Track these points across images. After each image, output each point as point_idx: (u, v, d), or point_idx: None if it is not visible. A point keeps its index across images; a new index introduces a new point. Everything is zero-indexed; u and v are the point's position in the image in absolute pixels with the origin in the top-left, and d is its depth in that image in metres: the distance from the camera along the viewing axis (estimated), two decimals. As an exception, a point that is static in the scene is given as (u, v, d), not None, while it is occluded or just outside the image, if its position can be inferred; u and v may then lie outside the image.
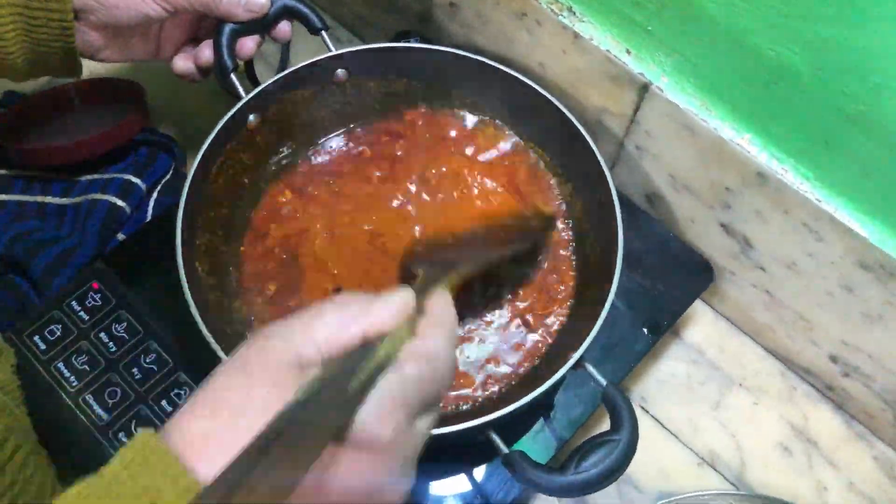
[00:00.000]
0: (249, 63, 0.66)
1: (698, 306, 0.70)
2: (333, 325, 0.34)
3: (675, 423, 0.65)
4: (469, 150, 0.65)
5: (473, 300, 0.58)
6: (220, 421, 0.31)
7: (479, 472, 0.55)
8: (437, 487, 0.54)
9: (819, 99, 0.49)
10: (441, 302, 0.38)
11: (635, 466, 0.62)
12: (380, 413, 0.32)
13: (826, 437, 0.65)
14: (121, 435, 0.54)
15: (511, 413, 0.46)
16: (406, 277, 0.56)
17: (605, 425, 0.47)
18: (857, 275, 0.55)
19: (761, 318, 0.66)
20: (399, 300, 0.36)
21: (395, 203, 0.62)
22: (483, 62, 0.61)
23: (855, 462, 0.64)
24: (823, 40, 0.46)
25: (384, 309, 0.35)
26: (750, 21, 0.49)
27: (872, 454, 0.64)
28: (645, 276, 0.63)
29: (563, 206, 0.62)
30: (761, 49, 0.49)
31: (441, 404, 0.37)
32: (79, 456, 0.54)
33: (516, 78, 0.60)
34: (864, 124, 0.48)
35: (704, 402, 0.66)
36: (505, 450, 0.47)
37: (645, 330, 0.61)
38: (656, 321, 0.61)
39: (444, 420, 0.52)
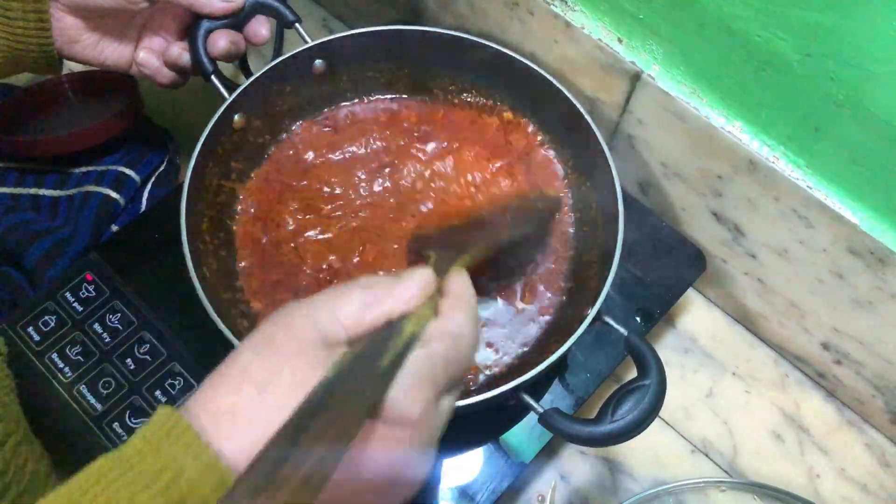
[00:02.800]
0: (242, 56, 0.66)
1: (691, 294, 0.70)
2: (358, 305, 0.34)
3: (668, 411, 0.65)
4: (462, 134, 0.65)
5: (487, 286, 0.58)
6: (246, 397, 0.31)
7: (475, 460, 0.56)
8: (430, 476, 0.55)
9: (808, 85, 0.49)
10: (460, 281, 0.39)
11: (629, 454, 0.63)
12: (410, 390, 0.32)
13: (818, 424, 0.65)
14: (115, 425, 0.54)
15: (538, 373, 0.47)
16: (414, 261, 0.56)
17: (616, 383, 0.48)
18: (847, 261, 0.55)
19: (753, 305, 0.66)
20: (421, 280, 0.36)
21: (389, 191, 0.62)
22: (460, 37, 0.61)
23: (846, 449, 0.64)
24: (811, 26, 0.46)
25: (407, 289, 0.36)
26: (737, 7, 0.49)
27: (864, 441, 0.64)
28: (637, 265, 0.63)
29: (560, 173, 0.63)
30: (749, 36, 0.50)
31: (463, 384, 0.38)
32: (73, 447, 0.54)
33: (507, 55, 0.60)
34: (853, 110, 0.48)
35: (697, 390, 0.66)
36: (540, 409, 0.47)
37: (638, 318, 0.61)
38: (649, 310, 0.61)
39: (475, 388, 0.53)
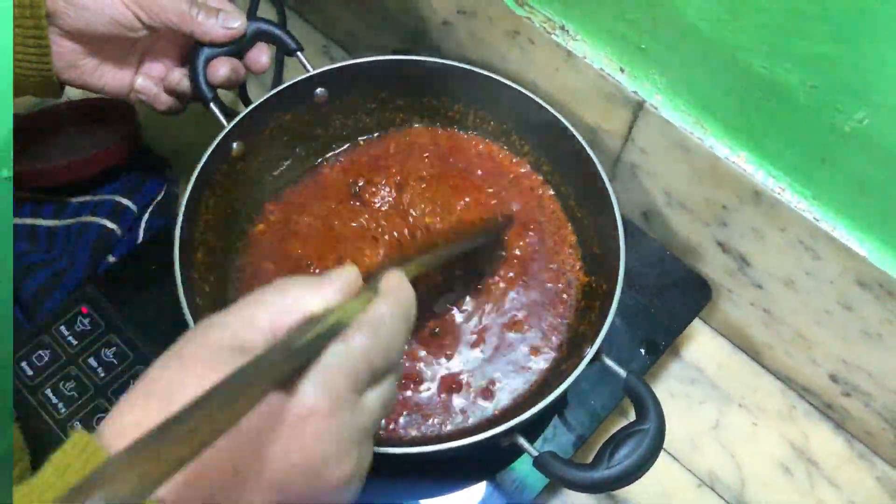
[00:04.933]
0: (241, 84, 0.66)
1: (696, 324, 0.69)
2: (275, 308, 0.33)
3: (673, 443, 0.64)
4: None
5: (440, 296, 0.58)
6: (152, 409, 0.30)
7: (474, 499, 0.54)
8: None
9: (814, 116, 0.48)
10: (394, 279, 0.38)
11: (633, 488, 0.62)
12: (320, 382, 0.31)
13: (827, 456, 0.64)
14: (110, 462, 0.53)
15: (532, 415, 0.46)
16: None
17: (622, 416, 0.47)
18: (855, 293, 0.54)
19: (760, 336, 0.65)
20: (343, 277, 0.35)
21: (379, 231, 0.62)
22: (461, 67, 0.60)
23: (857, 482, 0.63)
24: (817, 57, 0.45)
25: (328, 286, 0.35)
26: (742, 38, 0.48)
27: (875, 474, 0.63)
28: (641, 295, 0.62)
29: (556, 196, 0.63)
30: (754, 67, 0.49)
31: (396, 381, 0.36)
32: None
33: (506, 85, 0.60)
34: (860, 141, 0.47)
35: (703, 421, 0.65)
36: (535, 452, 0.46)
37: (642, 350, 0.60)
38: (654, 341, 0.60)
39: (468, 431, 0.52)
